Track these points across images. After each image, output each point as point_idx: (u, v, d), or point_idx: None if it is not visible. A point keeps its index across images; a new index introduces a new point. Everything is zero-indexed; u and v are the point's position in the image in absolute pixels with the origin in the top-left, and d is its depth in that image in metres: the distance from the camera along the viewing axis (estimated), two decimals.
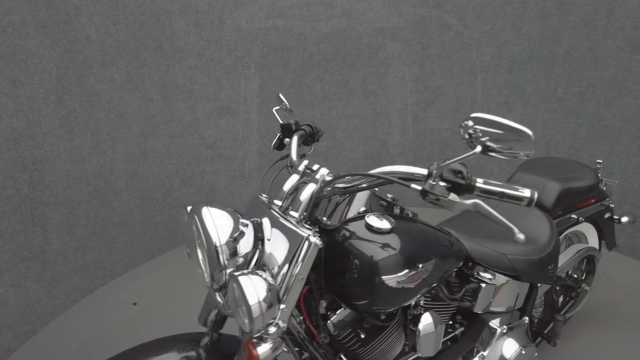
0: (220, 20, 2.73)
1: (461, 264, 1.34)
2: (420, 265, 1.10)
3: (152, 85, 2.58)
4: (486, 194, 0.92)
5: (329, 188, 1.07)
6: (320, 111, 3.19)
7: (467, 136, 0.90)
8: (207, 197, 2.99)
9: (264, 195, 1.21)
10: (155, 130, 2.66)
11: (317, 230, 1.00)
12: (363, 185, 1.07)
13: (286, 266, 0.96)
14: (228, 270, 0.95)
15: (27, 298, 2.13)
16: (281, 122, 1.47)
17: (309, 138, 1.48)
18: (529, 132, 0.83)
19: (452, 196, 0.90)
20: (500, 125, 0.85)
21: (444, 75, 3.09)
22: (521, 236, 0.87)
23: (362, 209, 1.25)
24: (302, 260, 0.96)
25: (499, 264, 1.42)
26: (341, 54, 3.06)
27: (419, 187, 0.92)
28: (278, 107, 1.58)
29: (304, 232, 0.97)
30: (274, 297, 0.86)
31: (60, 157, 2.22)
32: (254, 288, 0.83)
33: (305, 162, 1.21)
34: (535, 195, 0.88)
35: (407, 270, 1.06)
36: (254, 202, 1.19)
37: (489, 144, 0.88)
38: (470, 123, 0.88)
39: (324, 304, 1.17)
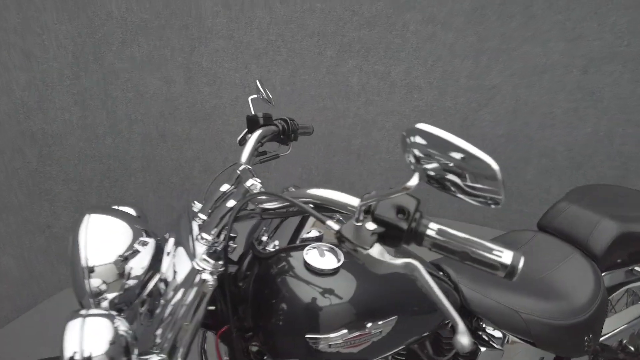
0: (252, 1, 2.55)
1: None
2: (370, 325, 0.83)
3: (175, 67, 2.49)
4: (441, 251, 0.63)
5: (253, 207, 0.84)
6: (355, 105, 2.91)
7: (411, 158, 0.61)
8: None
9: (196, 203, 1.01)
10: (176, 113, 2.57)
11: (222, 263, 0.77)
12: (292, 209, 0.81)
13: (172, 304, 0.75)
14: (102, 299, 0.76)
15: (30, 271, 2.16)
16: (253, 113, 1.25)
17: (282, 136, 1.26)
18: (494, 165, 0.53)
19: (376, 249, 0.62)
20: (451, 147, 0.55)
21: (501, 73, 2.65)
22: (464, 341, 0.55)
23: (314, 232, 1.00)
24: (192, 300, 0.75)
25: (509, 323, 1.09)
26: (384, 42, 2.74)
27: (335, 227, 0.65)
28: (255, 96, 1.37)
29: (198, 264, 0.75)
30: (118, 352, 0.64)
31: (72, 133, 2.20)
32: (82, 336, 0.62)
33: (245, 166, 0.99)
34: (520, 264, 0.58)
35: (345, 331, 0.80)
36: (186, 209, 1.00)
37: (433, 173, 0.59)
38: (412, 139, 0.59)
39: (253, 349, 0.94)
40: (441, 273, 1.12)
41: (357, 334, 0.80)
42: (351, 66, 2.81)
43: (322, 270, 0.83)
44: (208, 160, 2.77)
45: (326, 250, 0.87)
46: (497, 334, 1.11)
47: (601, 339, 1.32)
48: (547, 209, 1.43)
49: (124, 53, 2.30)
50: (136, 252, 0.81)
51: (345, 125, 2.97)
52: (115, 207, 0.88)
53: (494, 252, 0.59)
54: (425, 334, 0.97)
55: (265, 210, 0.81)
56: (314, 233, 0.98)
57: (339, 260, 0.85)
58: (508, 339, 1.11)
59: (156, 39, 2.38)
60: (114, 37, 2.24)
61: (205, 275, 0.74)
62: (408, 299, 0.88)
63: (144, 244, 0.83)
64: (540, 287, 1.17)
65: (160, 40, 2.40)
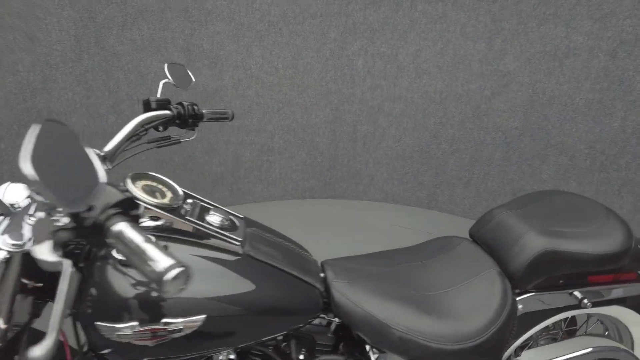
0: None
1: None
2: (165, 321, 0.80)
3: (176, 49, 2.56)
4: (122, 253, 0.62)
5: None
6: (361, 89, 2.79)
7: None
8: (231, 167, 2.93)
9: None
10: (177, 94, 2.66)
11: (14, 243, 0.78)
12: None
13: None
14: None
15: None
16: (159, 97, 1.25)
17: (178, 121, 1.24)
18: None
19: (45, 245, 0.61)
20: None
21: (517, 58, 2.36)
22: (33, 353, 0.53)
23: None
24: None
25: (381, 339, 1.00)
26: (391, 22, 2.57)
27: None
28: (167, 80, 1.36)
29: None
30: None
31: (76, 111, 2.38)
32: None
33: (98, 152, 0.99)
34: (170, 276, 0.53)
35: (135, 323, 0.79)
36: None
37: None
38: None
39: None
40: (322, 275, 1.05)
41: (149, 327, 0.78)
42: (356, 48, 2.69)
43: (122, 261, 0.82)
44: (210, 141, 2.84)
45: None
46: (373, 356, 1.03)
47: None
48: (487, 210, 1.26)
49: (124, 36, 2.41)
50: None
51: (350, 111, 2.86)
52: None
53: (154, 260, 0.56)
54: (267, 339, 0.92)
55: None
56: None
57: None
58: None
59: (156, 22, 2.46)
60: (114, 21, 2.36)
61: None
62: (221, 301, 0.84)
63: None
64: (434, 303, 1.04)
65: (161, 23, 2.48)
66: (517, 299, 1.09)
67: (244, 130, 2.87)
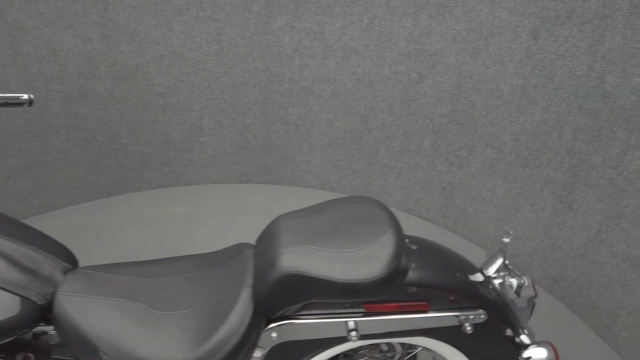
0: None
1: None
2: None
3: (90, 24, 2.44)
4: None
5: None
6: (290, 69, 2.60)
7: None
8: (160, 147, 2.84)
9: None
10: (95, 72, 2.56)
11: None
12: None
13: None
14: None
15: None
16: None
17: None
18: None
19: None
20: None
21: (443, 36, 2.11)
22: None
23: None
24: None
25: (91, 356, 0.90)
26: None
27: None
28: None
29: None
30: None
31: None
32: None
33: None
34: None
35: None
36: None
37: None
38: None
39: None
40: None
41: None
42: (281, 24, 2.49)
43: None
44: (136, 121, 2.74)
45: None
46: None
47: None
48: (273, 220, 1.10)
49: (29, 9, 2.31)
50: None
51: (280, 92, 2.68)
52: None
53: None
54: None
55: None
56: None
57: None
58: None
59: None
60: None
61: None
62: None
63: None
64: (166, 324, 0.91)
65: None
66: (272, 325, 0.94)
67: (170, 109, 2.75)
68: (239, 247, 1.10)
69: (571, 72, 1.70)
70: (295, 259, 0.88)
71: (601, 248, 1.74)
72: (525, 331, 1.08)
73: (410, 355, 1.26)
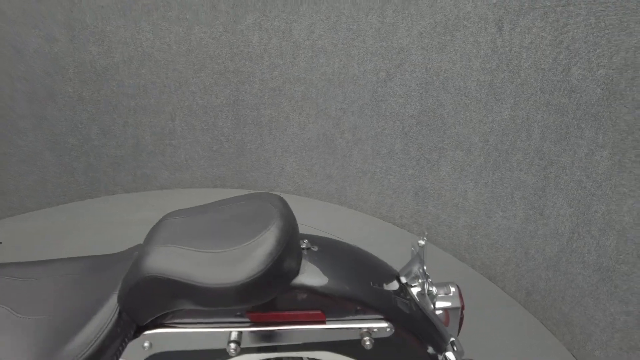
0: None
1: None
2: None
3: (55, 24, 2.41)
4: None
5: None
6: (260, 69, 2.52)
7: None
8: (132, 150, 2.78)
9: None
10: (63, 72, 2.52)
11: None
12: None
13: None
14: None
15: None
16: None
17: None
18: None
19: None
20: None
21: (409, 32, 1.99)
22: None
23: None
24: None
25: None
26: None
27: None
28: None
29: None
30: None
31: None
32: None
33: None
34: None
35: None
36: None
37: None
38: None
39: None
40: None
41: None
42: (250, 22, 2.41)
43: None
44: (106, 122, 2.69)
45: None
46: None
47: None
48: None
49: None
50: None
51: (252, 92, 2.60)
52: None
53: None
54: None
55: None
56: None
57: None
58: None
59: None
60: None
61: None
62: None
63: None
64: (22, 326, 0.82)
65: None
66: (146, 333, 0.83)
67: (141, 111, 2.69)
68: (137, 248, 1.00)
69: (537, 66, 1.57)
70: (158, 260, 0.78)
71: (572, 258, 1.58)
72: (455, 347, 0.95)
73: None
